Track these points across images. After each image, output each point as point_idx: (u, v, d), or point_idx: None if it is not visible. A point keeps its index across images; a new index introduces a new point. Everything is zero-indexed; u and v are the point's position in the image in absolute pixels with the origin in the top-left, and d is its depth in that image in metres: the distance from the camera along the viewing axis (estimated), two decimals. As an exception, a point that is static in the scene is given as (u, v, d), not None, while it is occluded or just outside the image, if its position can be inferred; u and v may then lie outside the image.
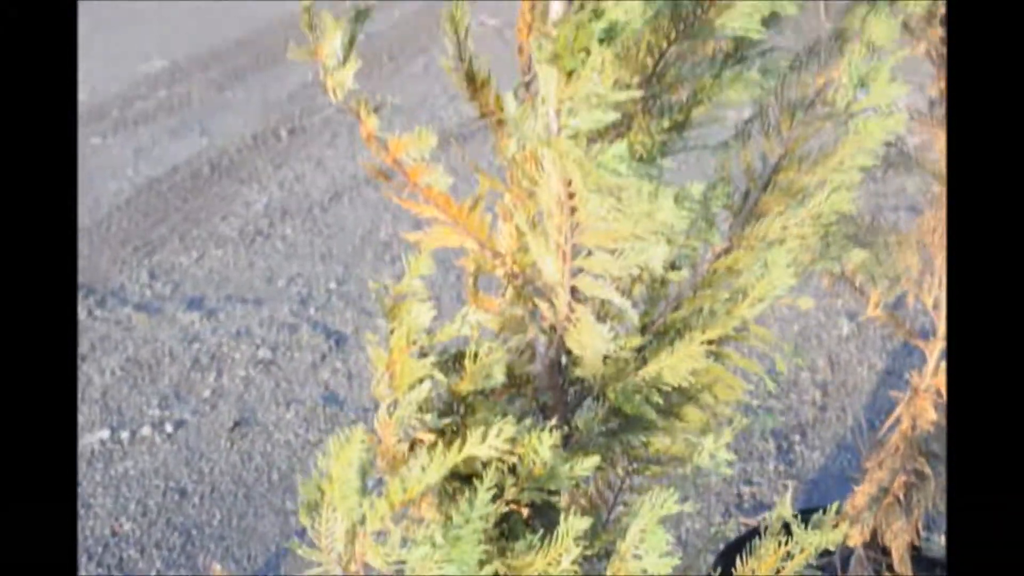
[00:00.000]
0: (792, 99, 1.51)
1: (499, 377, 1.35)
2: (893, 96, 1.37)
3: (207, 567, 3.42)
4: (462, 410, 1.39)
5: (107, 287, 4.96)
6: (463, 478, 1.33)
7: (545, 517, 1.40)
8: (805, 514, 1.59)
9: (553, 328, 1.40)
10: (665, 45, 1.15)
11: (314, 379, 4.31)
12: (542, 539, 1.32)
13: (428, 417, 1.33)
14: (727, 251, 1.50)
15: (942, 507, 2.64)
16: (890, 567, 2.70)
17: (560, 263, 1.30)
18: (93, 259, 5.19)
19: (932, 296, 2.53)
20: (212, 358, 4.45)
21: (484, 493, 1.25)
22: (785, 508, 1.58)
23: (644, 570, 1.33)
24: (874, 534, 2.69)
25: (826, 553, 2.62)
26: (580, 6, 0.98)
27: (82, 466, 3.84)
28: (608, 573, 1.36)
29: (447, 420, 1.36)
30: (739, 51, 1.30)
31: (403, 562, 1.25)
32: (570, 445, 1.50)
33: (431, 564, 1.22)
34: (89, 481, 3.78)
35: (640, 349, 1.45)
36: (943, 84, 2.33)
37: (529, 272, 1.38)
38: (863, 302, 2.62)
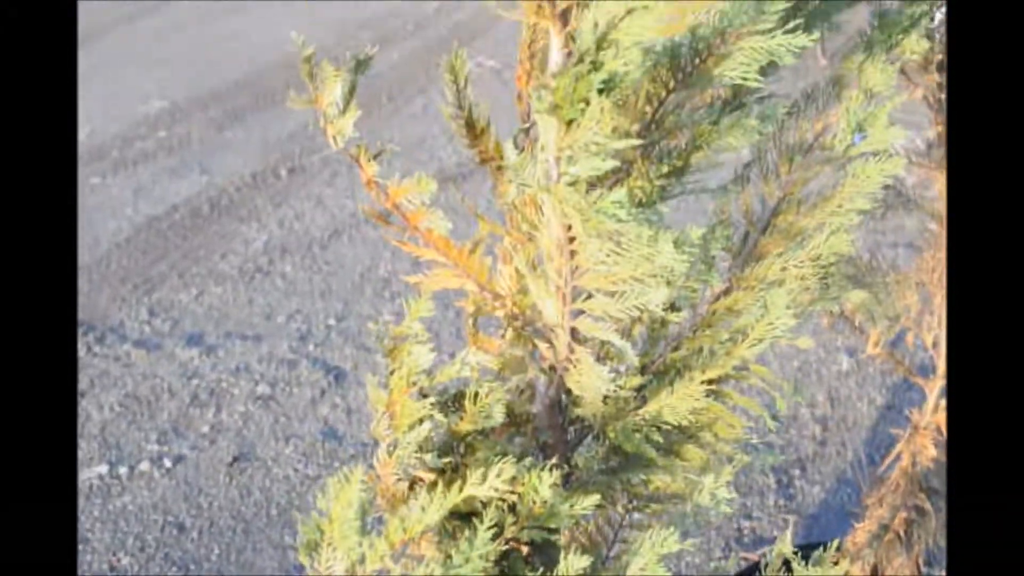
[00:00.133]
0: (790, 144, 1.52)
1: (499, 417, 1.35)
2: (891, 140, 1.38)
3: (205, 605, 3.41)
4: (462, 449, 1.39)
5: (106, 324, 4.96)
6: (463, 516, 1.33)
7: (545, 555, 1.40)
8: (805, 550, 1.59)
9: (553, 368, 1.40)
10: (664, 94, 1.16)
11: (313, 415, 4.31)
12: (542, 577, 1.32)
13: (428, 456, 1.33)
14: (727, 292, 1.51)
15: (943, 543, 2.63)
16: (891, 604, 2.69)
17: (560, 305, 1.31)
18: (93, 296, 5.19)
19: (932, 335, 2.53)
20: (211, 394, 4.45)
21: (484, 532, 1.25)
22: (785, 544, 1.58)
23: (644, 610, 1.33)
24: (875, 571, 2.68)
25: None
26: (579, 58, 0.99)
27: (81, 501, 3.83)
28: (609, 613, 1.36)
29: (447, 459, 1.36)
30: (737, 98, 1.31)
31: (403, 601, 1.25)
32: (570, 484, 1.50)
33: (432, 604, 1.22)
34: (87, 516, 3.76)
35: (640, 389, 1.45)
36: (940, 128, 2.35)
37: (529, 314, 1.39)
38: (863, 339, 2.63)
